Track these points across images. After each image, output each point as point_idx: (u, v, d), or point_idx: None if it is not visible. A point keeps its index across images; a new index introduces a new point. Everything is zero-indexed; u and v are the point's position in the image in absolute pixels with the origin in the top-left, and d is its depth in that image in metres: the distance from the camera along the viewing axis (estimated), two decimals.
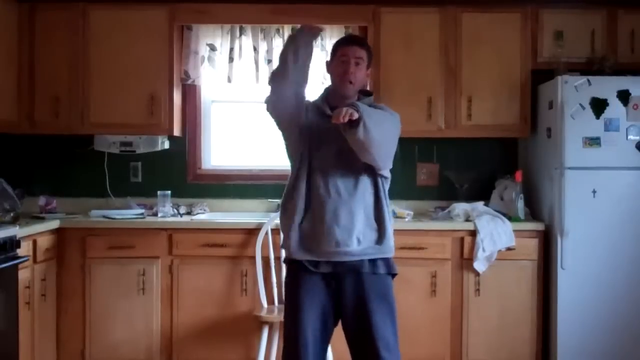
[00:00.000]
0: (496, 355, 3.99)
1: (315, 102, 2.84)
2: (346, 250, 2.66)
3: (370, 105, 2.69)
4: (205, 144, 4.65)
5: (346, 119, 2.48)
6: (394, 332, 2.72)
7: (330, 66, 2.80)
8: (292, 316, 2.72)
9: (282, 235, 2.78)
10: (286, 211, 2.75)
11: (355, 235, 2.66)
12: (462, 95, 4.23)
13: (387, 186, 2.80)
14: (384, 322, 2.69)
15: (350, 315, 2.71)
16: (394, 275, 2.80)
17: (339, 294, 2.71)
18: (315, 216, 2.69)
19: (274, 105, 2.74)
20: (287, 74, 2.68)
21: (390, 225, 2.75)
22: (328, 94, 2.84)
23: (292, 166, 2.78)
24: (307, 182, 2.71)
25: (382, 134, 2.60)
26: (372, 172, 2.72)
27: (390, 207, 2.80)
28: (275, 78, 2.73)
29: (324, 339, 2.74)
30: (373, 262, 2.72)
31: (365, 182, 2.71)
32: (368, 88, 4.28)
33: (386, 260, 2.75)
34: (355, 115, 2.49)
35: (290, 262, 2.78)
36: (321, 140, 2.72)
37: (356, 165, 2.68)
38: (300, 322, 2.67)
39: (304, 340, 2.66)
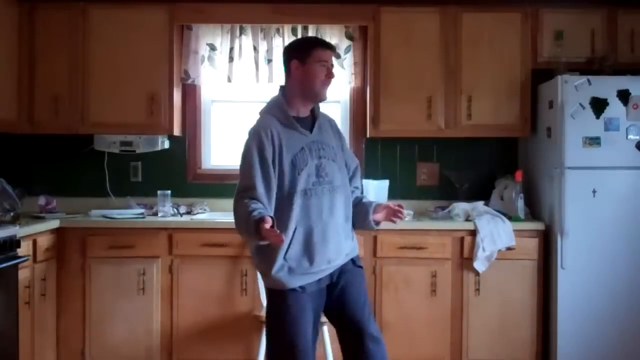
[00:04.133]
0: (496, 354, 3.99)
1: (273, 118, 2.70)
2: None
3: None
4: (205, 144, 4.65)
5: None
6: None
7: (302, 67, 2.67)
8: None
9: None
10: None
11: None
12: (462, 94, 4.23)
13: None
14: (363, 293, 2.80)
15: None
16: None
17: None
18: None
19: None
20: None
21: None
22: (283, 99, 2.72)
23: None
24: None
25: None
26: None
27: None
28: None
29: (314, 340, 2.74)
30: None
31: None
32: (365, 88, 4.32)
33: None
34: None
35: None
36: (306, 159, 2.69)
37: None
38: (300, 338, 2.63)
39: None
